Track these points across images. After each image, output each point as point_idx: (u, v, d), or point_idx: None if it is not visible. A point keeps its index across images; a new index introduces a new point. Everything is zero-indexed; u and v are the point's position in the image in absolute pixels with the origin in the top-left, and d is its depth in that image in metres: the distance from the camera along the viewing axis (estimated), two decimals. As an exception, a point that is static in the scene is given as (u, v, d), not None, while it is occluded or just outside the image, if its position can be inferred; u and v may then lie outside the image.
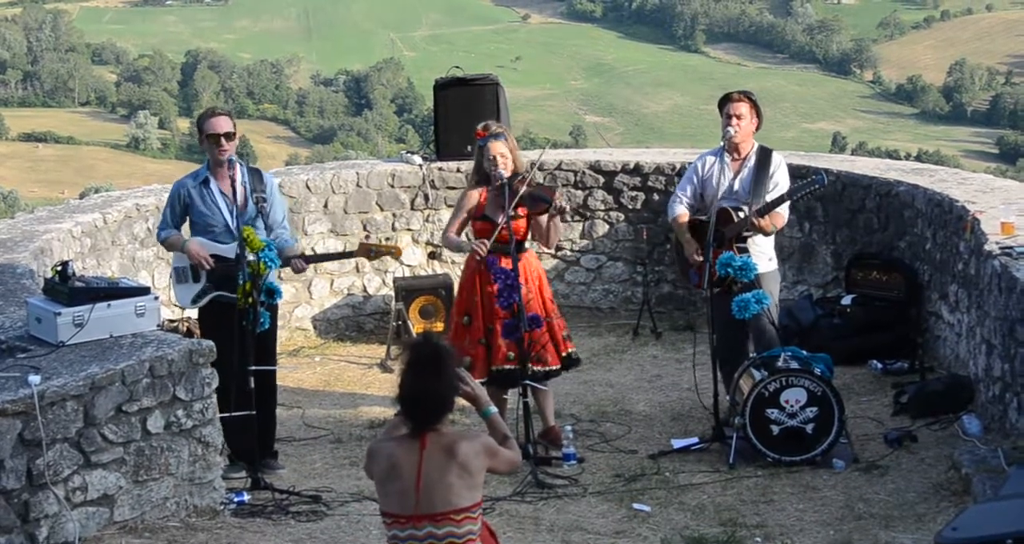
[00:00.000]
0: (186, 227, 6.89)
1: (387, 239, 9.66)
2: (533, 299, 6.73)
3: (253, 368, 6.25)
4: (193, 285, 6.72)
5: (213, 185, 6.69)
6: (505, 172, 6.71)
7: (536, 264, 7.00)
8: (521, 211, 6.74)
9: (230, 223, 6.62)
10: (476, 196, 6.89)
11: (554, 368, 6.84)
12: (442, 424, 3.95)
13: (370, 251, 7.08)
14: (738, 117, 6.95)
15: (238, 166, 6.62)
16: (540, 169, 9.85)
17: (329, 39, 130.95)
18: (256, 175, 6.76)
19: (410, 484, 3.87)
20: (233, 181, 6.57)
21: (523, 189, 6.66)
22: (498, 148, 6.76)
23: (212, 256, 6.62)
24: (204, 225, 6.69)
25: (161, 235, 6.89)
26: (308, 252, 9.58)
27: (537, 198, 6.70)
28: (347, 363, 9.08)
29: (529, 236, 6.97)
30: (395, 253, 7.29)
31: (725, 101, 7.03)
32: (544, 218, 6.77)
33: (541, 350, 6.72)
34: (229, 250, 6.55)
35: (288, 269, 6.90)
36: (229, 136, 6.61)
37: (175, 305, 7.63)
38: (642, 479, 6.41)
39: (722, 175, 7.02)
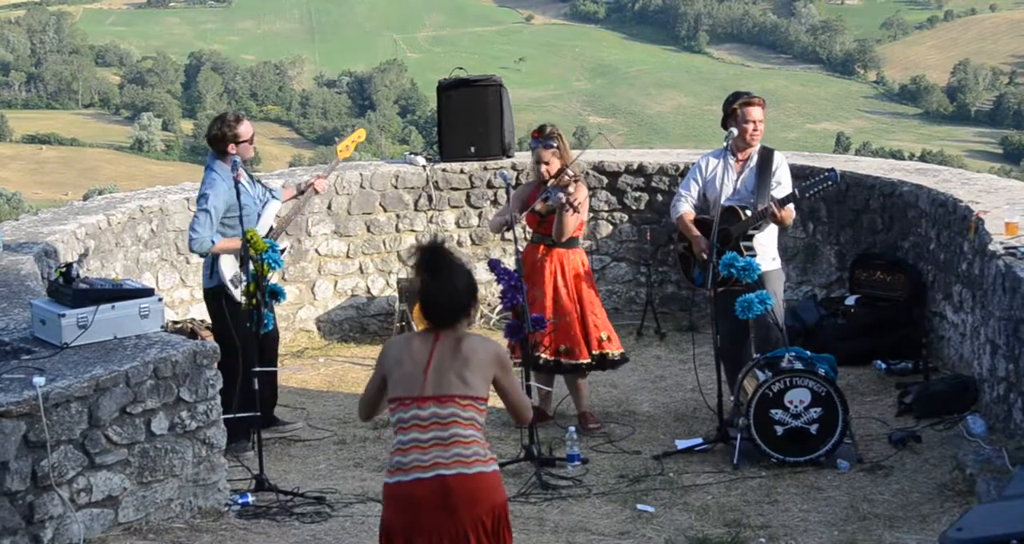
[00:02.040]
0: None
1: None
2: (561, 295, 7.18)
3: (257, 369, 6.33)
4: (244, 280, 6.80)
5: (243, 179, 7.03)
6: (547, 176, 7.18)
7: (573, 261, 7.29)
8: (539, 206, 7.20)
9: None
10: (528, 190, 7.41)
11: (583, 362, 7.21)
12: (460, 324, 4.07)
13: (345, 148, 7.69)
14: (758, 121, 6.97)
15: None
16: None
17: (332, 40, 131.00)
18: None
19: (419, 369, 4.01)
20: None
21: (551, 183, 7.13)
22: (543, 155, 7.24)
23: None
24: (241, 214, 6.60)
25: (212, 242, 6.81)
26: (313, 254, 9.61)
27: (552, 193, 7.09)
28: (351, 364, 9.07)
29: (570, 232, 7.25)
30: (360, 137, 7.97)
31: (744, 104, 6.97)
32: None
33: (571, 344, 7.17)
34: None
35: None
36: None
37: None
38: (646, 480, 6.41)
39: (725, 176, 7.01)
